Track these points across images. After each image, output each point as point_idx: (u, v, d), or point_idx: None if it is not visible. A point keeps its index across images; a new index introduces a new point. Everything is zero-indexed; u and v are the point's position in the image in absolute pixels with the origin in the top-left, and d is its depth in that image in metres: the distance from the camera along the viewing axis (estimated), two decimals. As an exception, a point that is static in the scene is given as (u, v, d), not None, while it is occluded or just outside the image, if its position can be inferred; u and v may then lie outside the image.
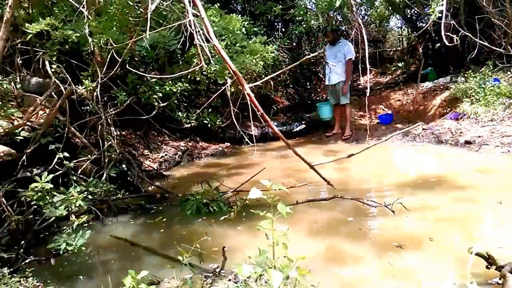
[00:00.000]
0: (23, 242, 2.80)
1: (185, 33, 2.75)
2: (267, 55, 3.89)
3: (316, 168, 3.87)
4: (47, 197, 2.96)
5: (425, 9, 7.42)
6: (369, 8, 10.89)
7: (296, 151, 3.48)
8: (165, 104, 5.76)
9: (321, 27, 8.99)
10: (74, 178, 3.54)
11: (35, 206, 2.98)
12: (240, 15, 4.29)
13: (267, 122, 2.81)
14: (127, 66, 3.58)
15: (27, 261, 2.57)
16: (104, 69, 3.78)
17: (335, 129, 7.26)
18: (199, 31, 2.37)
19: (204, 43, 2.40)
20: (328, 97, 7.40)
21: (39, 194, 2.92)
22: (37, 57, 4.36)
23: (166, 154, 6.00)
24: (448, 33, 3.80)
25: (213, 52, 2.85)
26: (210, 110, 6.71)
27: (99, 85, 3.96)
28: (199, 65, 2.62)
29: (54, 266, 2.55)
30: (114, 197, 3.63)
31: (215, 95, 4.15)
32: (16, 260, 2.57)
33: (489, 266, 2.07)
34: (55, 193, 3.07)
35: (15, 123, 3.70)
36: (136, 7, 3.55)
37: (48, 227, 3.09)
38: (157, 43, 3.30)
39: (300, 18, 8.11)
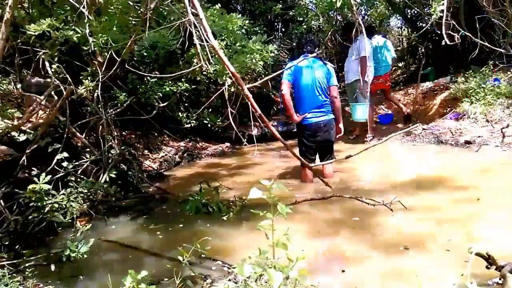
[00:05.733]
0: (22, 243, 2.79)
1: (185, 32, 2.75)
2: (266, 55, 3.89)
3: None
4: (46, 198, 2.95)
5: (425, 9, 7.40)
6: (369, 8, 10.88)
7: (294, 152, 3.47)
8: (165, 104, 5.75)
9: (321, 27, 8.98)
10: (73, 178, 3.54)
11: (35, 207, 2.97)
12: (240, 15, 4.29)
13: (266, 123, 2.81)
14: (127, 66, 3.58)
15: (27, 264, 2.56)
16: (104, 69, 3.78)
17: (357, 131, 6.95)
18: (198, 31, 2.37)
19: (203, 42, 2.40)
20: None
21: (38, 195, 2.91)
22: (37, 57, 4.35)
23: (166, 154, 6.00)
24: (449, 32, 3.79)
25: (212, 52, 2.85)
26: (210, 110, 6.71)
27: (99, 85, 3.96)
28: (199, 65, 2.61)
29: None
30: (114, 198, 3.62)
31: (215, 95, 4.15)
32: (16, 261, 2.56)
33: (489, 266, 2.07)
34: (54, 192, 3.07)
35: (15, 123, 3.69)
36: (136, 7, 3.54)
37: (49, 227, 3.08)
38: (157, 42, 3.31)
39: (300, 18, 8.11)
